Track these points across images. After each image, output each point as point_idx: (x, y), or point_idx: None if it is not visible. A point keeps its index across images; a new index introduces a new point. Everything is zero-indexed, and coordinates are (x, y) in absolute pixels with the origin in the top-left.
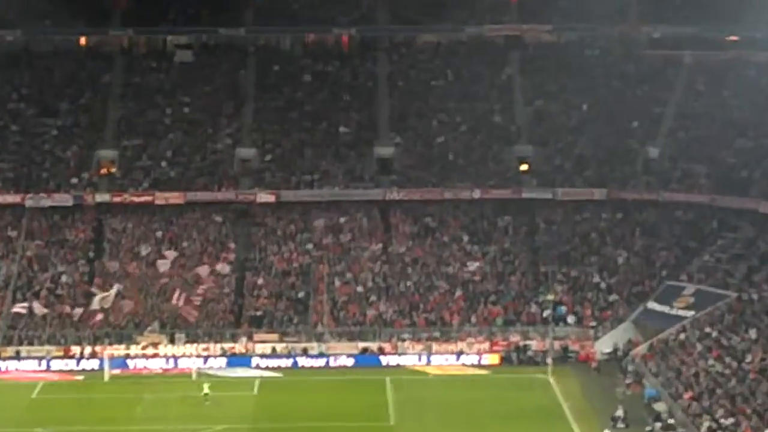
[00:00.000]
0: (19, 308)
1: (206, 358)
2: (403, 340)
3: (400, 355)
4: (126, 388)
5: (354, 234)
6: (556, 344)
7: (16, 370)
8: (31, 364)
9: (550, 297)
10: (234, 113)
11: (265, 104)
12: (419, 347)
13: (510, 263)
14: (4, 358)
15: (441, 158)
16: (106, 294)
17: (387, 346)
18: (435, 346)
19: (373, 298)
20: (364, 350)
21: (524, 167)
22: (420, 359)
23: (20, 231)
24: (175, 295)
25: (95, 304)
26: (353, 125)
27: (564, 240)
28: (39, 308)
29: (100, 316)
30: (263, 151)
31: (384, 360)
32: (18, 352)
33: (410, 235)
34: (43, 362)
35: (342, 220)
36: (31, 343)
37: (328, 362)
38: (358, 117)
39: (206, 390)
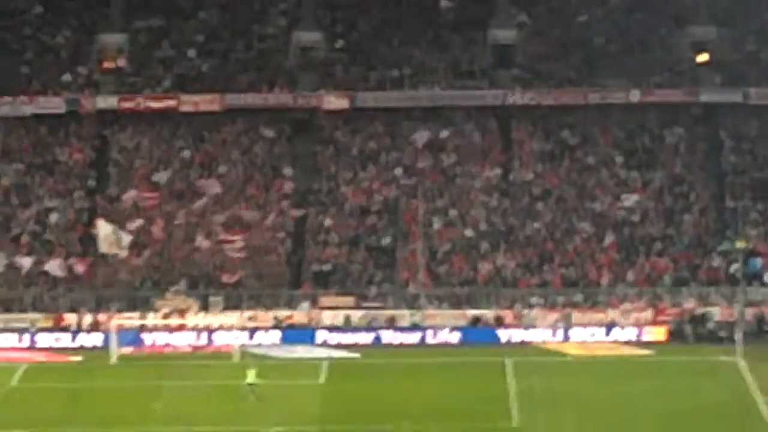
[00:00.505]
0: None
1: (253, 331)
2: (531, 307)
3: (526, 328)
4: (140, 374)
5: (460, 154)
6: (749, 312)
7: None
8: (9, 339)
9: (741, 245)
10: None
11: None
12: (553, 317)
13: (683, 197)
14: None
15: (584, 45)
16: (113, 234)
17: (507, 316)
18: (576, 316)
19: (487, 246)
20: (476, 321)
21: (703, 57)
22: (554, 334)
23: None
24: (209, 242)
25: (103, 247)
26: None
27: (760, 162)
28: (19, 260)
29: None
30: (331, 35)
31: (503, 335)
32: None
33: (540, 156)
34: (26, 336)
35: (444, 134)
36: (8, 310)
37: (424, 338)
38: None
39: (251, 378)
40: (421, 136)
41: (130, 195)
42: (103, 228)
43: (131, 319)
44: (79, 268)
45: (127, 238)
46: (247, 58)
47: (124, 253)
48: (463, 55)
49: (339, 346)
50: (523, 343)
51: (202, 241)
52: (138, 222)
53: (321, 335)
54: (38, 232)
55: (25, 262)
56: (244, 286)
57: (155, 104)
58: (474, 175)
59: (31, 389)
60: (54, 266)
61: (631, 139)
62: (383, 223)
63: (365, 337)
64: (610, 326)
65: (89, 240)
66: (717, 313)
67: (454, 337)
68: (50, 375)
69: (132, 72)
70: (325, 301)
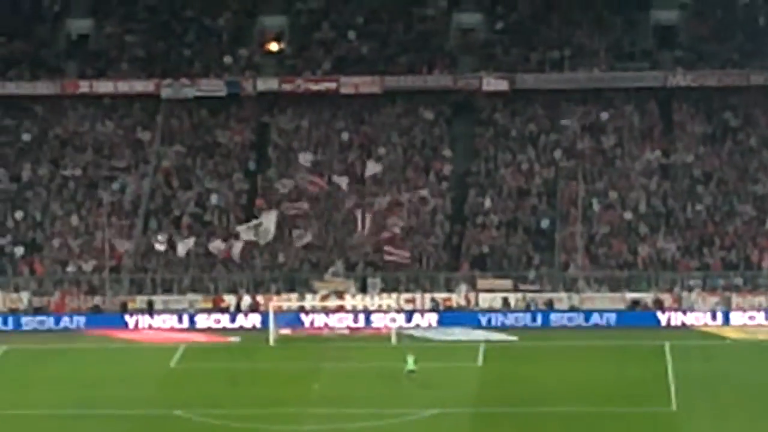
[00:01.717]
0: (160, 243)
1: (411, 313)
2: (690, 290)
3: (685, 311)
4: (298, 355)
5: (621, 136)
6: None
7: (149, 327)
8: (169, 320)
9: None
10: None
11: None
12: (713, 300)
13: None
14: (133, 312)
15: (747, 26)
16: (256, 222)
17: (667, 298)
18: (736, 299)
19: (646, 229)
20: (635, 303)
21: None
22: (714, 317)
23: (154, 132)
24: (368, 224)
25: (245, 234)
26: None
27: None
28: (181, 242)
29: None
30: (492, 17)
31: (663, 318)
32: (151, 304)
33: (702, 138)
34: (186, 317)
35: (604, 116)
36: (168, 291)
37: (582, 320)
38: None
39: (411, 365)
40: (582, 119)
41: (289, 177)
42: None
43: (290, 301)
44: (238, 249)
45: (269, 224)
46: (407, 39)
47: (263, 238)
48: (624, 37)
49: (497, 329)
50: (682, 326)
51: (360, 223)
52: (297, 204)
53: (479, 317)
54: (198, 214)
55: (186, 243)
56: (402, 269)
57: (315, 86)
58: (634, 157)
59: (190, 369)
60: (214, 247)
61: None
62: (542, 205)
63: (523, 320)
64: None
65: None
66: None
67: (613, 319)
68: (209, 355)
69: (292, 54)
70: (483, 283)
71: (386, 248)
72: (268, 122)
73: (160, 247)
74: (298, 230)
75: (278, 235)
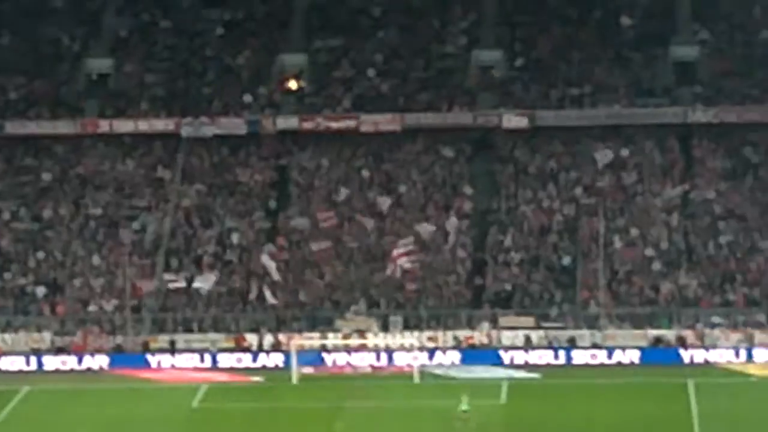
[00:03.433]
0: (174, 282)
1: (433, 351)
2: (713, 327)
3: (708, 348)
4: (321, 394)
5: (641, 173)
6: None
7: (172, 367)
8: (191, 360)
9: None
10: (470, 0)
11: None
12: (736, 337)
13: None
14: (155, 351)
15: (767, 61)
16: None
17: (689, 335)
18: (759, 336)
19: (668, 266)
20: (657, 341)
21: None
22: (737, 354)
23: (174, 171)
24: (390, 262)
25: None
26: (640, 14)
27: None
28: (202, 281)
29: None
30: (511, 54)
31: (685, 355)
32: (173, 343)
33: (723, 174)
34: (208, 357)
35: (624, 152)
36: (190, 330)
37: (605, 357)
38: (648, 2)
39: (465, 405)
40: (602, 155)
41: (309, 216)
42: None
43: (312, 339)
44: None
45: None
46: (427, 77)
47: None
48: (643, 73)
49: (520, 367)
50: (705, 364)
51: (380, 261)
52: (318, 242)
53: (502, 355)
54: (218, 253)
55: (208, 283)
56: (424, 306)
57: (335, 124)
58: (655, 194)
59: (212, 409)
60: (234, 287)
61: None
62: (564, 242)
63: (546, 357)
64: None
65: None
66: None
67: (636, 357)
68: (232, 395)
69: (312, 92)
70: (504, 320)
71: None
72: (288, 161)
73: (175, 285)
74: (317, 268)
75: (300, 273)
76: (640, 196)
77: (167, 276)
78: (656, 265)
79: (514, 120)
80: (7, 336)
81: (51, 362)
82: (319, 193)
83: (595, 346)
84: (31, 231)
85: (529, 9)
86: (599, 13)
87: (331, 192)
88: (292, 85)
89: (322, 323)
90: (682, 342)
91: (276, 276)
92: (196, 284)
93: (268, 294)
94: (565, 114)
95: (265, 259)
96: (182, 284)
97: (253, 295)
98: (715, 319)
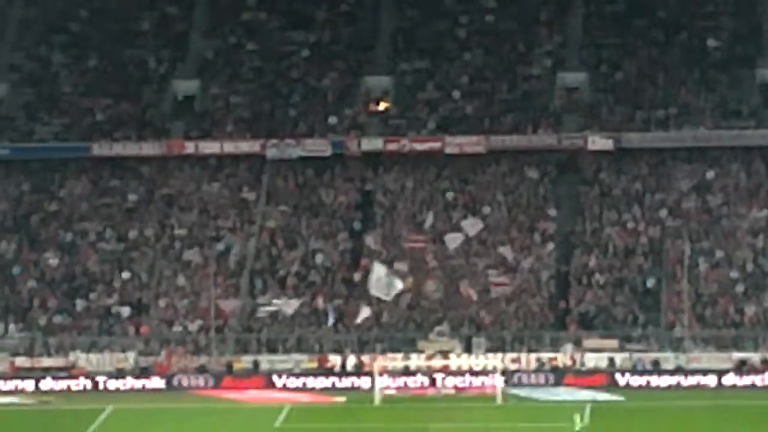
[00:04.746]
0: (268, 309)
1: (516, 373)
2: None
3: None
4: (404, 416)
5: (728, 195)
6: None
7: (255, 387)
8: (274, 380)
9: None
10: (556, 22)
11: (600, 8)
12: None
13: None
14: (238, 373)
15: None
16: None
17: None
18: None
19: (753, 288)
20: (742, 363)
21: None
22: None
23: (259, 192)
24: (473, 284)
25: (374, 290)
26: (726, 37)
27: None
28: (285, 305)
29: (366, 313)
30: (597, 76)
31: None
32: (257, 364)
33: None
34: (291, 378)
35: (710, 174)
36: (273, 351)
37: (689, 380)
38: (734, 25)
39: (578, 425)
40: (688, 177)
41: (394, 237)
42: (378, 270)
43: (395, 360)
44: (342, 309)
45: (398, 284)
46: (512, 99)
47: (389, 298)
48: (730, 95)
49: (600, 388)
50: None
51: (465, 282)
52: (403, 263)
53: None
54: (303, 273)
55: (289, 306)
56: (507, 328)
57: (420, 146)
58: (740, 216)
59: (295, 430)
60: (317, 307)
61: None
62: (648, 264)
63: (630, 379)
64: None
65: (353, 282)
66: None
67: (721, 380)
68: (314, 416)
69: (397, 114)
70: (588, 343)
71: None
72: (373, 182)
73: (267, 310)
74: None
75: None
76: (725, 218)
77: (261, 301)
78: (741, 288)
79: (599, 142)
80: (92, 356)
81: (135, 382)
82: (403, 214)
83: (679, 368)
84: (116, 251)
85: (614, 31)
86: (685, 35)
87: (415, 214)
88: (380, 106)
89: (405, 344)
90: (767, 365)
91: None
92: (280, 306)
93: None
94: (651, 136)
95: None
96: (273, 309)
97: (360, 317)
98: None
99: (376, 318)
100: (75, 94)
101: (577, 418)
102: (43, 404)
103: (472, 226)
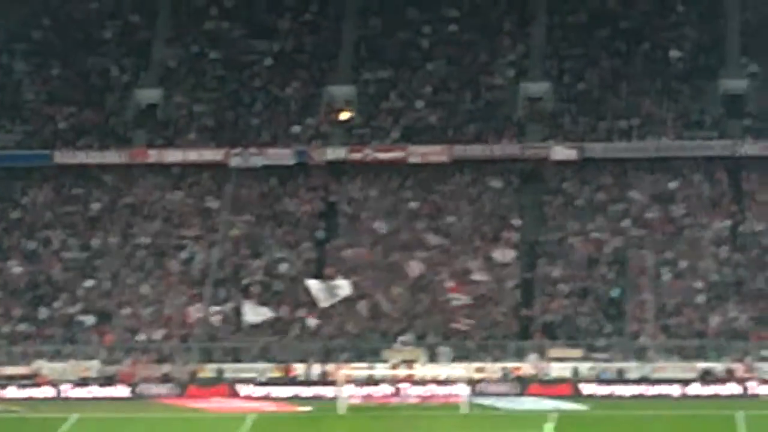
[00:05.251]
0: (215, 313)
1: (481, 382)
2: (764, 360)
3: (759, 381)
4: (370, 425)
5: (690, 205)
6: None
7: (219, 396)
8: (238, 389)
9: None
10: (518, 32)
11: (563, 19)
12: None
13: None
14: (202, 382)
15: None
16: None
17: (739, 368)
18: None
19: (717, 298)
20: (706, 374)
21: None
22: None
23: (223, 201)
24: (436, 293)
25: (322, 303)
26: (689, 47)
27: None
28: (250, 311)
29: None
30: (560, 86)
31: (734, 388)
32: (221, 372)
33: None
34: (256, 387)
35: (672, 185)
36: (237, 360)
37: (653, 390)
38: (697, 35)
39: None
40: (651, 188)
41: (358, 246)
42: (313, 286)
43: (360, 370)
44: (309, 319)
45: (345, 286)
46: (475, 108)
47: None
48: (692, 105)
49: (564, 398)
50: (756, 397)
51: (428, 292)
52: (365, 273)
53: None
54: (267, 283)
55: (257, 315)
56: (471, 338)
57: (384, 155)
58: (704, 226)
59: None
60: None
61: None
62: (612, 274)
63: (594, 389)
64: None
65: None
66: None
67: (684, 390)
68: (279, 425)
69: (360, 124)
70: (553, 352)
71: (457, 320)
72: (336, 192)
73: (217, 317)
74: (364, 299)
75: (347, 303)
76: (688, 228)
77: (213, 308)
78: (705, 298)
79: (562, 152)
80: (56, 364)
81: (99, 391)
82: (365, 224)
83: (643, 378)
84: (79, 260)
85: (577, 41)
86: (648, 46)
87: (378, 223)
88: (344, 116)
89: (370, 354)
90: (731, 374)
91: (323, 304)
92: (246, 316)
93: (310, 321)
94: (614, 146)
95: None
96: (222, 315)
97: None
98: (765, 353)
99: (340, 327)
100: (37, 102)
101: (546, 426)
102: (7, 413)
103: (430, 237)
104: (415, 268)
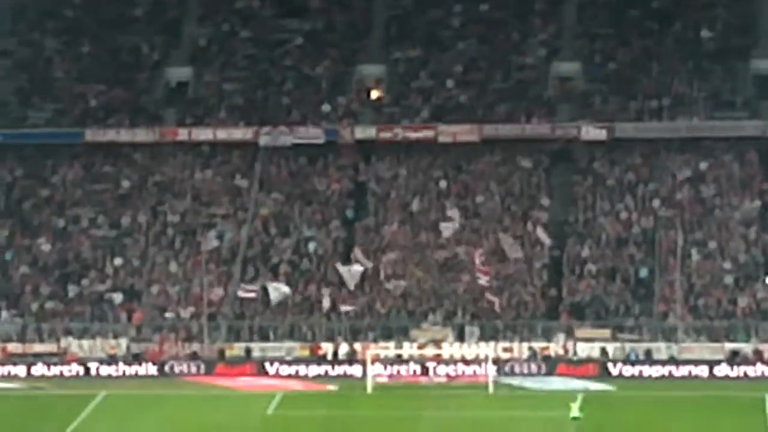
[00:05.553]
0: (246, 293)
1: (508, 362)
2: None
3: None
4: (396, 404)
5: (720, 186)
6: None
7: (247, 374)
8: (266, 367)
9: None
10: (549, 11)
11: None
12: None
13: None
14: (230, 360)
15: None
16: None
17: (766, 349)
18: None
19: (746, 279)
20: (734, 354)
21: None
22: None
23: (252, 180)
24: (465, 273)
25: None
26: (721, 28)
27: None
28: (277, 289)
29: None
30: (590, 66)
31: (763, 369)
32: (249, 351)
33: None
34: (284, 365)
35: (703, 165)
36: (266, 338)
37: (681, 370)
38: (728, 16)
39: (576, 412)
40: (681, 168)
41: (387, 225)
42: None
43: (388, 349)
44: (335, 297)
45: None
46: (506, 88)
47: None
48: (723, 86)
49: (592, 378)
50: None
51: (457, 272)
52: (394, 252)
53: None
54: (295, 262)
55: (283, 292)
56: (499, 317)
57: (413, 134)
58: (733, 207)
59: (287, 417)
60: (311, 296)
61: None
62: (641, 254)
63: (621, 369)
64: None
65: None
66: None
67: (712, 371)
68: (306, 403)
69: (390, 102)
70: (581, 332)
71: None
72: (366, 170)
73: (247, 295)
74: (394, 280)
75: (375, 283)
76: (718, 209)
77: (243, 287)
78: (733, 278)
79: (592, 132)
80: (84, 342)
81: (127, 369)
82: (395, 202)
83: (671, 358)
84: (108, 238)
85: (608, 21)
86: (679, 26)
87: (408, 201)
88: (372, 95)
89: (398, 333)
90: (760, 356)
91: (352, 285)
92: (270, 295)
93: (344, 307)
94: (644, 126)
95: (341, 268)
96: (253, 295)
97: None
98: None
99: (369, 306)
100: (68, 80)
101: (574, 405)
102: (35, 390)
103: (459, 215)
104: (449, 228)
